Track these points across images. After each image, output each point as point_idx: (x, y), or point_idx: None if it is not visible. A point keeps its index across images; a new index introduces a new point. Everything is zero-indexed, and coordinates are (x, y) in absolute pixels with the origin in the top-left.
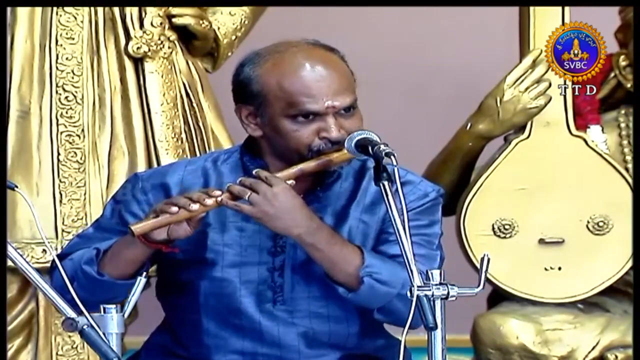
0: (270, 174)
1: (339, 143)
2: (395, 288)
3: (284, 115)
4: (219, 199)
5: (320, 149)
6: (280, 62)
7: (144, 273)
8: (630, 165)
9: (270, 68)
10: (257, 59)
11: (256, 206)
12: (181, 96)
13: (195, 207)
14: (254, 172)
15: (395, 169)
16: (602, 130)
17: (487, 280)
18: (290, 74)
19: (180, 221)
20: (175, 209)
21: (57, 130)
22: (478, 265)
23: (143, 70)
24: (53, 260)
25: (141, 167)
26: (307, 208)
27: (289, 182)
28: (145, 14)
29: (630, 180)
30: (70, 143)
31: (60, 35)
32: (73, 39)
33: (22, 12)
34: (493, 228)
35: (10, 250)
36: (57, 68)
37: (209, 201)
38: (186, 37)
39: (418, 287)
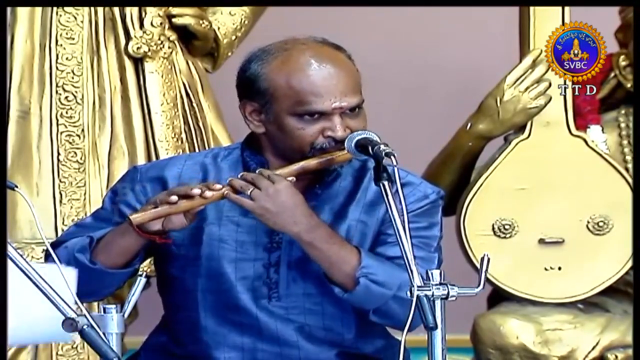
0: (272, 172)
1: (343, 142)
2: (391, 290)
3: (291, 113)
4: (222, 191)
5: (324, 147)
6: (288, 60)
7: (144, 273)
8: (630, 165)
9: (278, 65)
10: (264, 55)
11: (257, 202)
12: (181, 96)
13: (196, 191)
14: (257, 172)
15: (396, 170)
16: (602, 130)
17: (487, 280)
18: (299, 71)
19: (178, 213)
20: (174, 198)
21: (57, 130)
22: (478, 265)
23: (143, 70)
24: (47, 249)
25: None
26: (307, 206)
27: (290, 179)
28: (145, 14)
29: (630, 180)
30: (70, 143)
31: (60, 35)
32: (73, 39)
33: (22, 12)
34: (493, 228)
35: (10, 250)
36: (57, 68)
37: (209, 193)
38: (186, 37)
39: (418, 287)
